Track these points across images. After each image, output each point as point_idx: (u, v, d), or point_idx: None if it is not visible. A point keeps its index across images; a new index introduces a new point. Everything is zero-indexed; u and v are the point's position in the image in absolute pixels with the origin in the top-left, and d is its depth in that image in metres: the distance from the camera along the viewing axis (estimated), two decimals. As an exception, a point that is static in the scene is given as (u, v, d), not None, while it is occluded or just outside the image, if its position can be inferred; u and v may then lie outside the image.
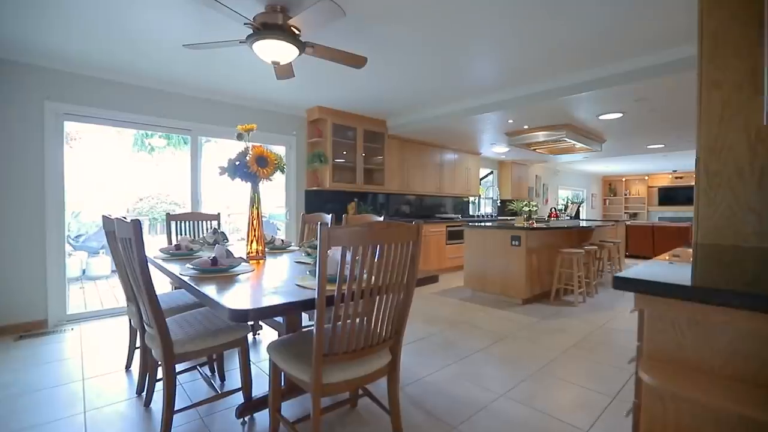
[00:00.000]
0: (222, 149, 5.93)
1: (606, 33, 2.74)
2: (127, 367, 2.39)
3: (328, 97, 4.39)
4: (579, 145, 5.27)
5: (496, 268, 4.23)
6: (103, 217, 2.08)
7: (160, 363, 1.67)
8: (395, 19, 2.51)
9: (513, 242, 4.07)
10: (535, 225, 4.31)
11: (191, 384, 2.19)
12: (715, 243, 2.02)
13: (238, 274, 1.72)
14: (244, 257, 2.05)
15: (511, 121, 4.53)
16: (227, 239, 3.06)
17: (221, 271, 1.72)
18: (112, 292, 4.75)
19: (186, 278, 1.63)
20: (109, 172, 6.16)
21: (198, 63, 3.33)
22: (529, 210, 4.35)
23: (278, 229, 8.61)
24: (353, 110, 4.94)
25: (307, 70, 3.45)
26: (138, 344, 2.32)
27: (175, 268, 1.89)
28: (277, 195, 8.35)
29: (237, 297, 1.35)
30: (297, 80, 3.76)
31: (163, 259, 2.14)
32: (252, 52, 2.46)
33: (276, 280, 1.62)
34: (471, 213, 8.05)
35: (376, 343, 1.45)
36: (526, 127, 4.84)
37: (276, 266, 1.99)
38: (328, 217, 2.94)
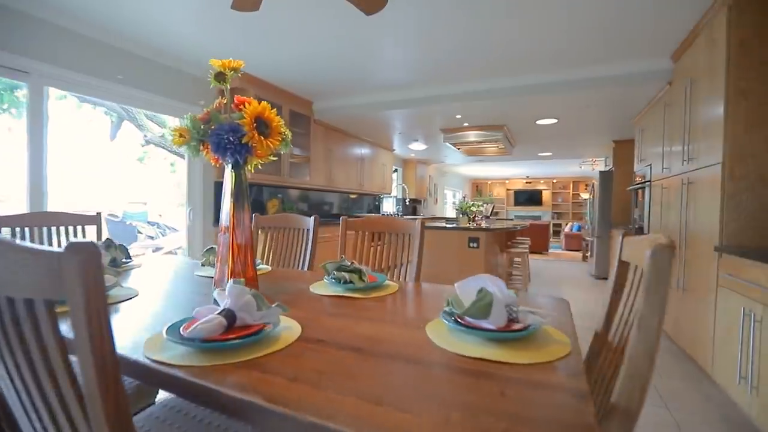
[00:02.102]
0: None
1: (577, 39, 2.74)
2: None
3: (252, 60, 3.32)
4: (500, 147, 5.50)
5: (451, 273, 3.94)
6: None
7: None
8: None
9: (471, 244, 3.85)
10: (483, 225, 4.21)
11: None
12: (741, 244, 2.11)
13: (283, 347, 0.84)
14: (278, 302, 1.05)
15: (459, 116, 4.33)
16: (130, 257, 1.85)
17: (253, 338, 0.81)
18: None
19: (182, 374, 0.70)
20: None
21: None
22: (476, 210, 4.25)
23: (139, 232, 6.56)
24: (279, 83, 3.93)
25: (232, 16, 2.42)
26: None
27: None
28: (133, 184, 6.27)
29: None
30: (214, 28, 2.66)
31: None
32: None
33: (375, 346, 0.83)
34: (380, 212, 7.74)
35: None
36: (466, 124, 4.74)
37: (311, 308, 1.13)
38: (310, 221, 2.06)
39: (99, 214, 2.10)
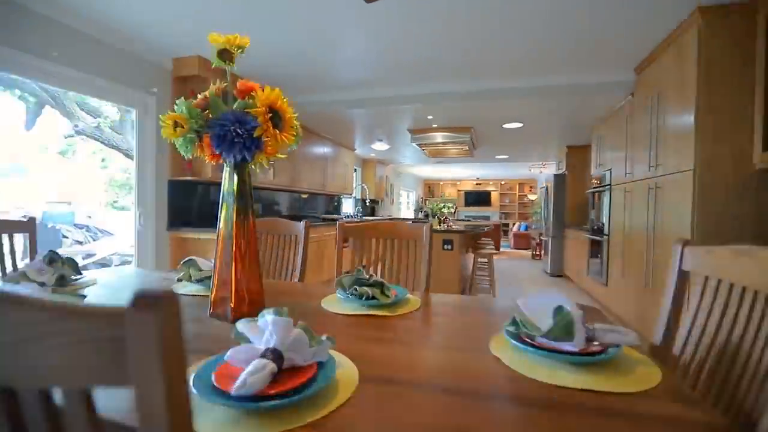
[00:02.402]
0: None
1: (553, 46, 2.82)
2: None
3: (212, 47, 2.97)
4: (464, 149, 5.58)
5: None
6: None
7: None
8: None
9: (445, 246, 3.82)
10: (453, 227, 4.22)
11: None
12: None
13: (350, 395, 0.68)
14: (328, 336, 0.81)
15: (430, 117, 4.29)
16: (80, 272, 1.52)
17: (317, 387, 0.64)
18: None
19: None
20: None
21: None
22: (448, 211, 4.25)
23: (65, 236, 5.71)
24: (242, 74, 3.59)
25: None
26: None
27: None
28: (45, 175, 5.46)
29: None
30: (171, 8, 2.35)
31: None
32: None
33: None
34: (341, 213, 7.53)
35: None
36: (435, 125, 4.72)
37: (341, 333, 0.96)
38: (300, 226, 1.85)
39: (33, 219, 1.71)
